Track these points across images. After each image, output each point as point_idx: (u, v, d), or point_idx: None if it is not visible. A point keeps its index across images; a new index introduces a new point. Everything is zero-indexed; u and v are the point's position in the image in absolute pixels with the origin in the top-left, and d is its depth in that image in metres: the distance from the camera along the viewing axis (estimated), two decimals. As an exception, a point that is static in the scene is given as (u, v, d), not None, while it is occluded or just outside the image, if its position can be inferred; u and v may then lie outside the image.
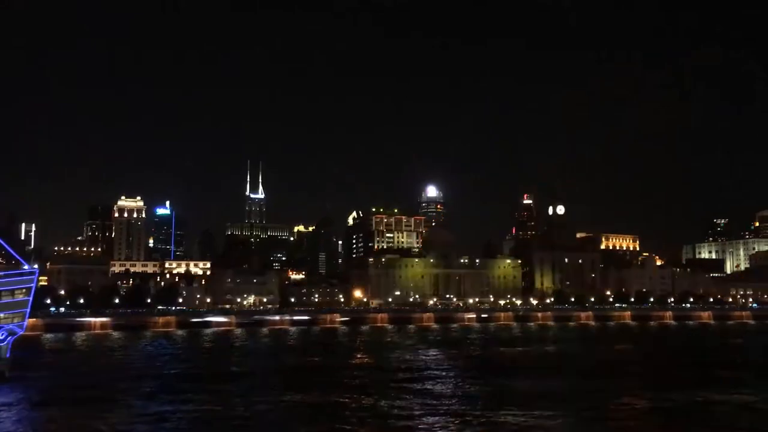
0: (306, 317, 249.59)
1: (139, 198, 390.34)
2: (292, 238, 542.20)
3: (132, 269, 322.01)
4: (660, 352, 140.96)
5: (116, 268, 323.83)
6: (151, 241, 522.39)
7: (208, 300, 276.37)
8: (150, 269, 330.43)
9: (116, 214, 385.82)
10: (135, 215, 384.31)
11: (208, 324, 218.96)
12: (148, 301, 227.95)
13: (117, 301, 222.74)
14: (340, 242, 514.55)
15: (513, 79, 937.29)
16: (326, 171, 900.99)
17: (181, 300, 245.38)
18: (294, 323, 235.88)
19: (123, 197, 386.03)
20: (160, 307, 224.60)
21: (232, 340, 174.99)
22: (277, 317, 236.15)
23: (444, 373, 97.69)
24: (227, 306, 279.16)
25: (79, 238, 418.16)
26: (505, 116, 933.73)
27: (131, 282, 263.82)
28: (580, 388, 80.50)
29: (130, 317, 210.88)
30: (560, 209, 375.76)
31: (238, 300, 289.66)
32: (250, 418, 62.73)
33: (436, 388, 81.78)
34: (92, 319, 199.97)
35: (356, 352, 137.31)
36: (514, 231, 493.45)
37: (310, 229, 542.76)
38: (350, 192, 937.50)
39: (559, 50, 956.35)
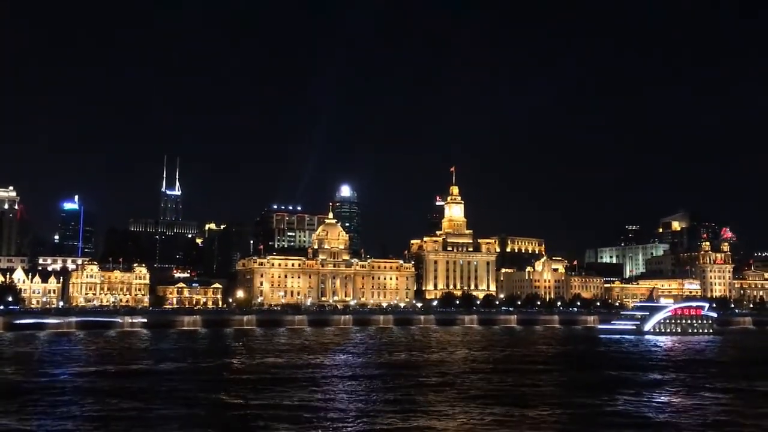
0: (168, 319, 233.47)
1: (11, 188, 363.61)
2: (192, 236, 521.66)
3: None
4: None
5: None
6: (56, 236, 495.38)
7: (58, 299, 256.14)
8: (17, 265, 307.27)
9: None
10: (6, 206, 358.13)
11: (43, 326, 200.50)
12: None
13: None
14: (252, 241, 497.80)
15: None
16: (247, 168, 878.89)
17: (11, 299, 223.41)
18: (146, 325, 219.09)
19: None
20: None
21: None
22: (126, 319, 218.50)
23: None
24: (87, 305, 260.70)
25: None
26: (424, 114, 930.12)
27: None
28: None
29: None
30: (456, 210, 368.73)
31: (98, 299, 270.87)
32: None
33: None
34: None
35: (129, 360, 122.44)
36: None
37: (222, 227, 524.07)
38: (270, 191, 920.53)
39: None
